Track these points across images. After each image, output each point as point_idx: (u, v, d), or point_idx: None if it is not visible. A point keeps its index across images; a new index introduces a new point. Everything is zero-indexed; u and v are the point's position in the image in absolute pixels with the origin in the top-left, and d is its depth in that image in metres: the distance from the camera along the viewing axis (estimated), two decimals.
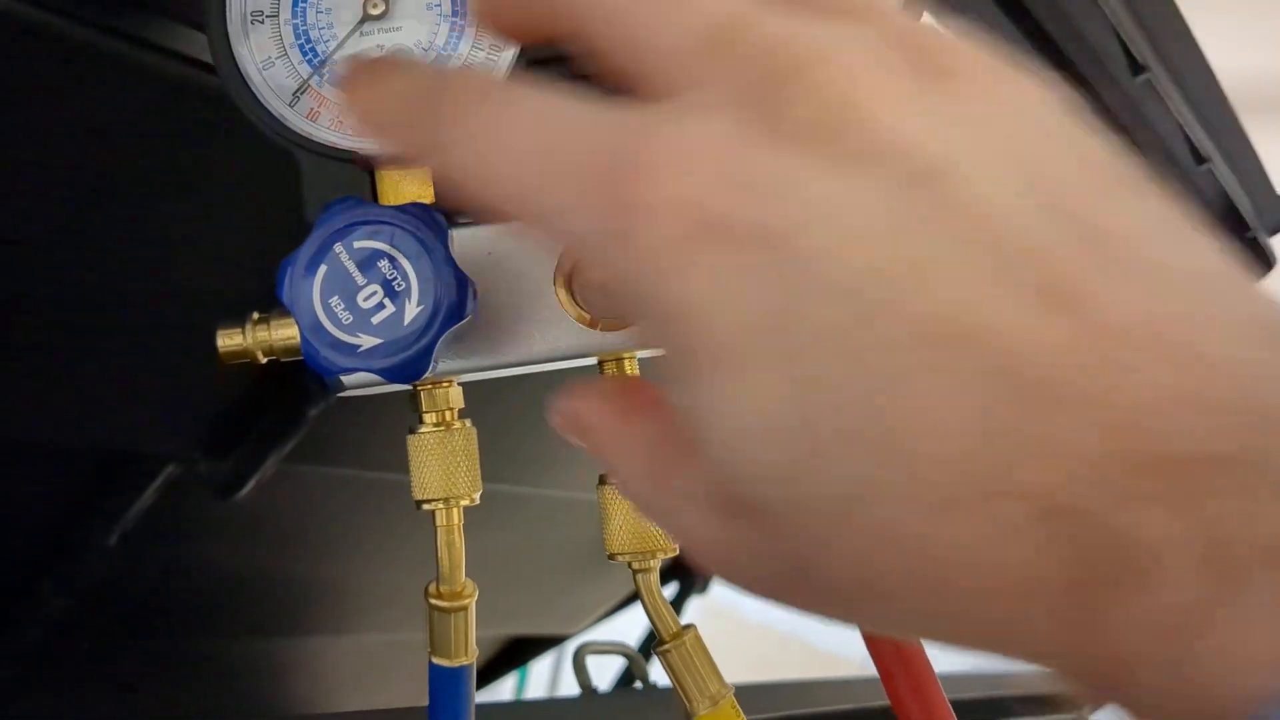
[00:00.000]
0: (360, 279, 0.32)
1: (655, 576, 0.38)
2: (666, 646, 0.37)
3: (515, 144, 0.22)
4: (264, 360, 0.35)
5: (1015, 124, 0.21)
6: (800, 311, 0.19)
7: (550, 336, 0.34)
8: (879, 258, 0.19)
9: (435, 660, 0.36)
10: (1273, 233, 0.99)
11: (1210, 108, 0.76)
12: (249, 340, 0.35)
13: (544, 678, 1.76)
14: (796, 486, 0.20)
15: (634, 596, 1.07)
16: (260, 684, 0.86)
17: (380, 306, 0.32)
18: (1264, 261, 0.97)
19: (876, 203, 0.19)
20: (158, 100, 0.40)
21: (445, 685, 0.36)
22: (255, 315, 0.35)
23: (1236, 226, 0.93)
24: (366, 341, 0.32)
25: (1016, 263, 0.19)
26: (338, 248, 0.32)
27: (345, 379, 0.33)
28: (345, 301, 0.32)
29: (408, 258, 0.32)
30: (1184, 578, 0.17)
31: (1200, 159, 0.77)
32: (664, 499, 0.24)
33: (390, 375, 0.32)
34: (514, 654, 1.20)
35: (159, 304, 0.55)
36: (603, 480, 0.37)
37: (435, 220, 0.32)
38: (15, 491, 0.62)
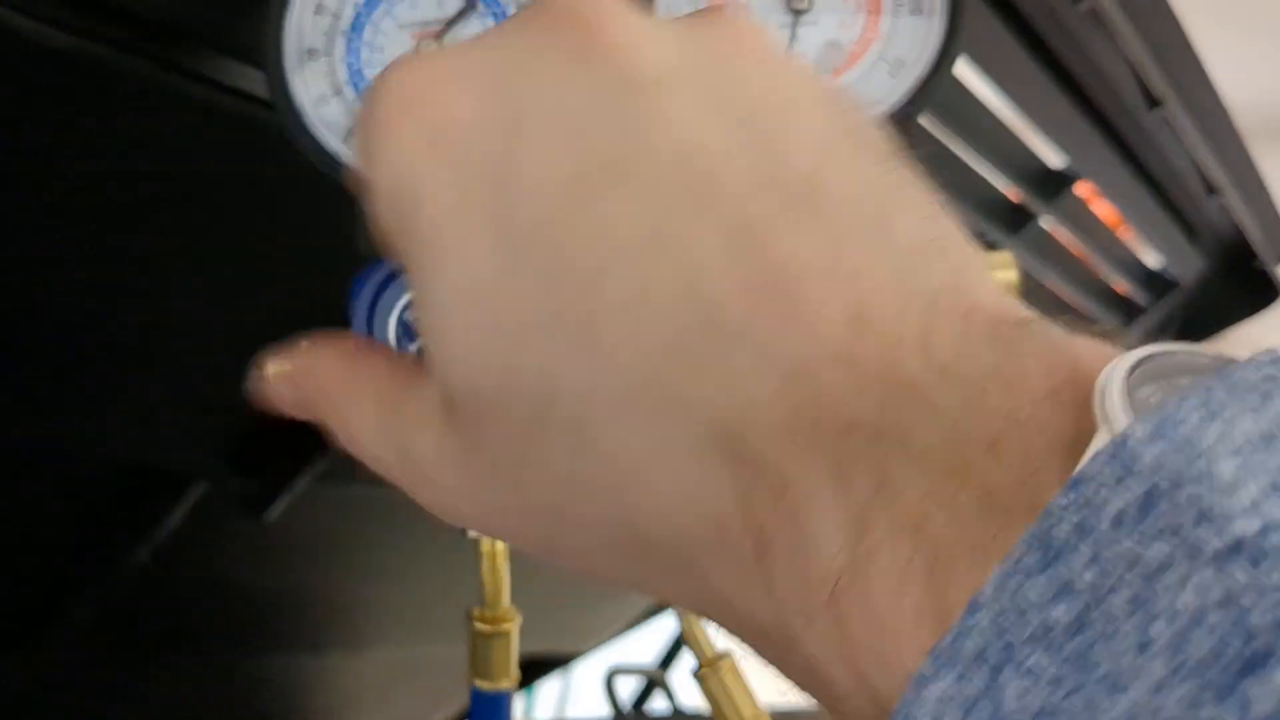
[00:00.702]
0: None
1: None
2: (703, 670, 0.38)
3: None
4: None
5: (748, 64, 0.22)
6: (510, 196, 0.20)
7: None
8: (588, 156, 0.20)
9: (478, 684, 0.37)
10: (1278, 262, 1.00)
11: (1221, 139, 0.77)
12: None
13: (552, 698, 1.76)
14: (503, 375, 0.20)
15: (648, 614, 1.08)
16: (283, 699, 0.87)
17: None
18: (1270, 291, 0.98)
19: (592, 101, 0.21)
20: (210, 130, 0.42)
21: (487, 708, 0.37)
22: (304, 344, 0.36)
23: (1244, 256, 0.94)
24: None
25: (714, 194, 0.20)
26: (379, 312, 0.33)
27: None
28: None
29: None
30: (833, 540, 0.18)
31: (1211, 190, 0.79)
32: (395, 434, 0.24)
33: None
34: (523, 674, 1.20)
35: (195, 324, 0.56)
36: None
37: None
38: (45, 506, 0.63)
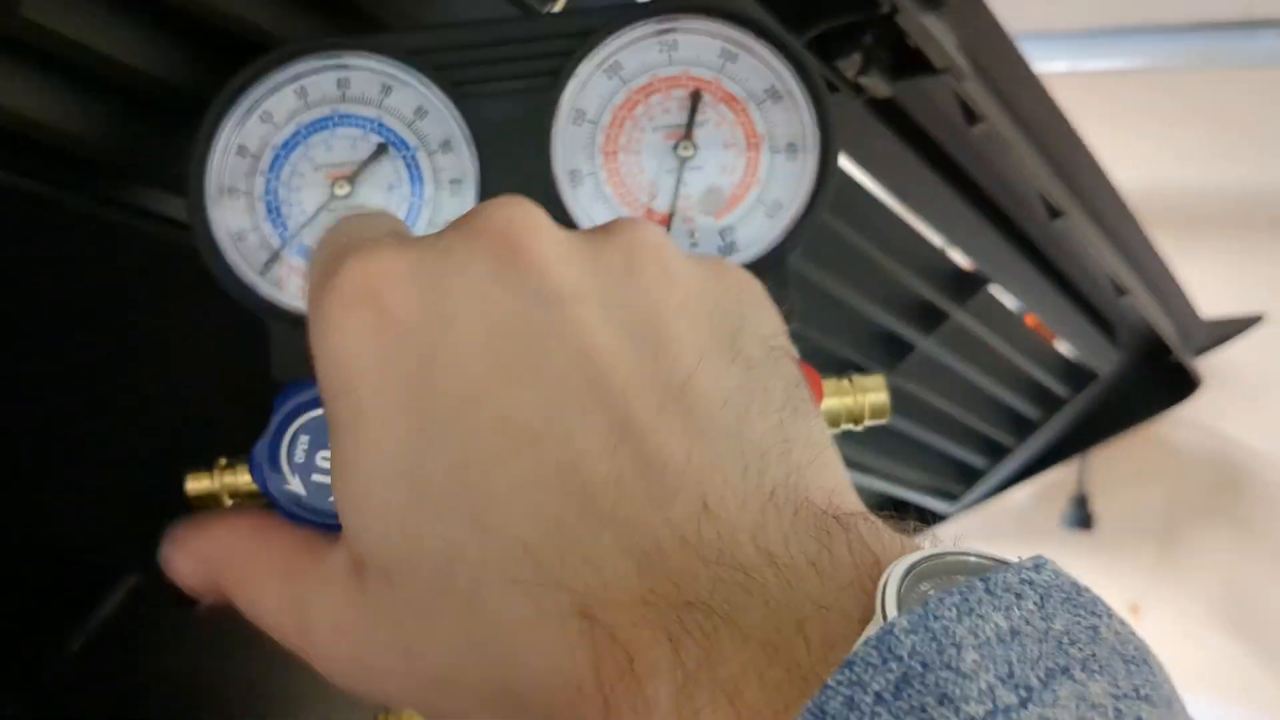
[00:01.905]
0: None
1: None
2: None
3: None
4: (230, 503, 0.39)
5: (647, 275, 0.26)
6: (429, 389, 0.24)
7: None
8: (499, 357, 0.24)
9: None
10: (1199, 354, 1.05)
11: (1127, 243, 0.81)
12: (216, 484, 0.38)
13: None
14: (413, 541, 0.23)
15: None
16: None
17: None
18: (1188, 384, 1.02)
19: (512, 311, 0.25)
20: (136, 252, 0.44)
21: None
22: (223, 461, 0.39)
23: (1161, 349, 0.98)
24: None
25: (603, 392, 0.23)
26: (295, 428, 0.35)
27: None
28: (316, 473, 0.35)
29: None
30: (666, 703, 0.21)
31: (1121, 291, 0.82)
32: (295, 604, 0.27)
33: None
34: None
35: (129, 423, 0.58)
36: None
37: None
38: None
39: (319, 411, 0.35)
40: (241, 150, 0.38)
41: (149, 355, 0.50)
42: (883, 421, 0.40)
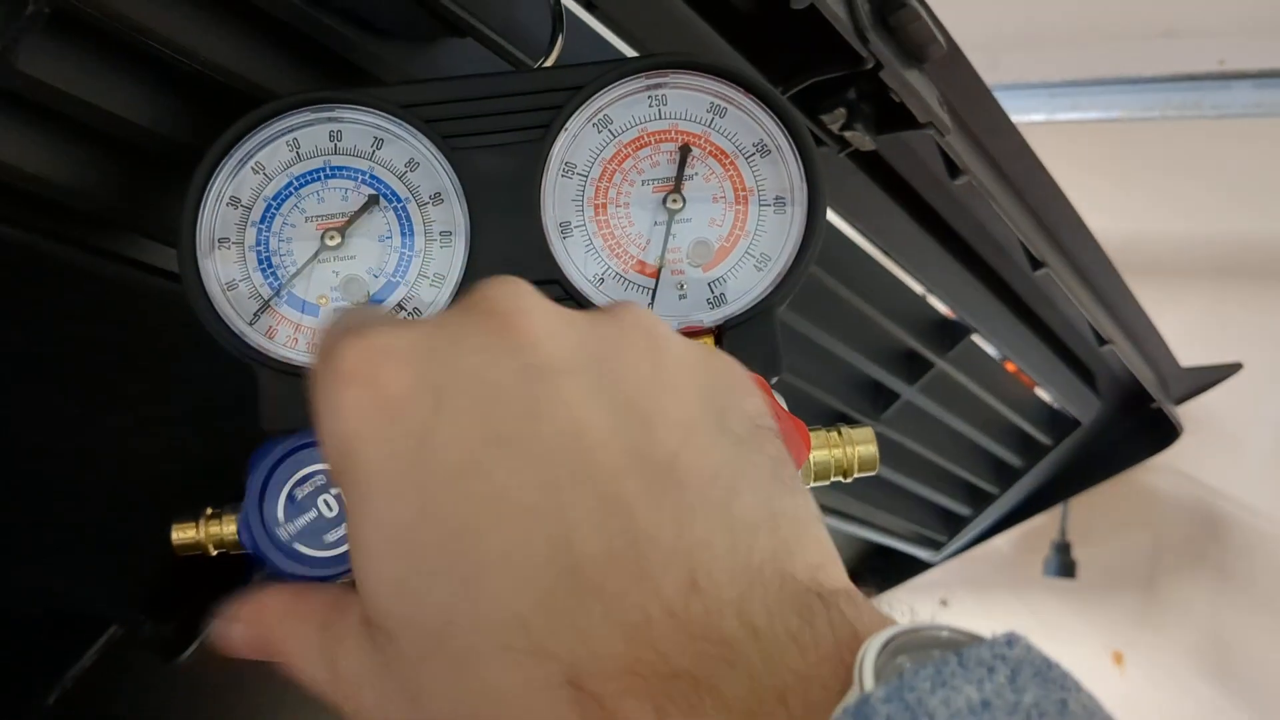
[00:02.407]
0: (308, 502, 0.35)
1: None
2: None
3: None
4: (214, 553, 0.38)
5: (637, 353, 0.27)
6: (426, 463, 0.24)
7: None
8: (492, 432, 0.24)
9: None
10: (1179, 402, 1.05)
11: (1108, 293, 0.82)
12: (201, 534, 0.38)
13: None
14: (412, 605, 0.24)
15: None
16: None
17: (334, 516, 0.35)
18: (1169, 432, 1.03)
19: (504, 384, 0.25)
20: (135, 304, 0.44)
21: None
22: (209, 510, 0.38)
23: (1143, 397, 0.99)
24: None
25: (594, 467, 0.24)
26: (277, 482, 0.35)
27: None
28: (310, 524, 0.35)
29: None
30: None
31: (1102, 340, 0.83)
32: (328, 653, 0.28)
33: None
34: None
35: (110, 475, 0.57)
36: None
37: None
38: None
39: (301, 473, 0.35)
40: (234, 201, 0.39)
41: (136, 405, 0.50)
42: (872, 473, 0.40)
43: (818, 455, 0.40)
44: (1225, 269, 1.76)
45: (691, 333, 0.39)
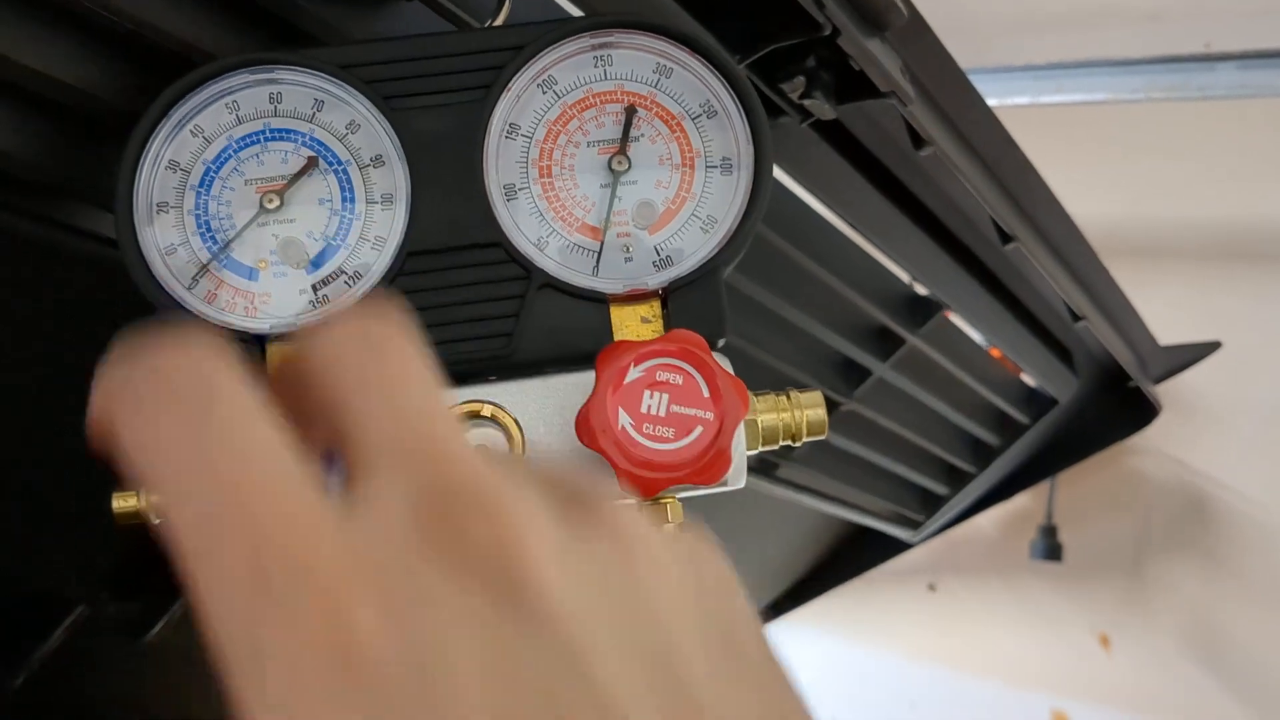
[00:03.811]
0: None
1: None
2: None
3: (195, 469, 0.20)
4: (157, 522, 0.38)
5: (647, 585, 0.23)
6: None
7: None
8: (500, 707, 0.19)
9: None
10: (1157, 381, 1.05)
11: (1083, 270, 0.82)
12: (142, 502, 0.38)
13: None
14: None
15: None
16: None
17: None
18: (1147, 410, 1.03)
19: (510, 649, 0.20)
20: (80, 272, 0.43)
21: None
22: None
23: (1121, 376, 0.98)
24: None
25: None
26: None
27: None
28: None
29: None
30: None
31: (1076, 317, 0.83)
32: None
33: None
34: None
35: (71, 453, 0.57)
36: None
37: None
38: None
39: None
40: (172, 165, 0.38)
41: (87, 377, 0.50)
42: (821, 437, 0.40)
43: (765, 419, 0.39)
44: (1211, 250, 1.76)
45: (638, 295, 0.39)
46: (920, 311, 0.77)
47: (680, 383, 0.35)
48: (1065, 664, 1.84)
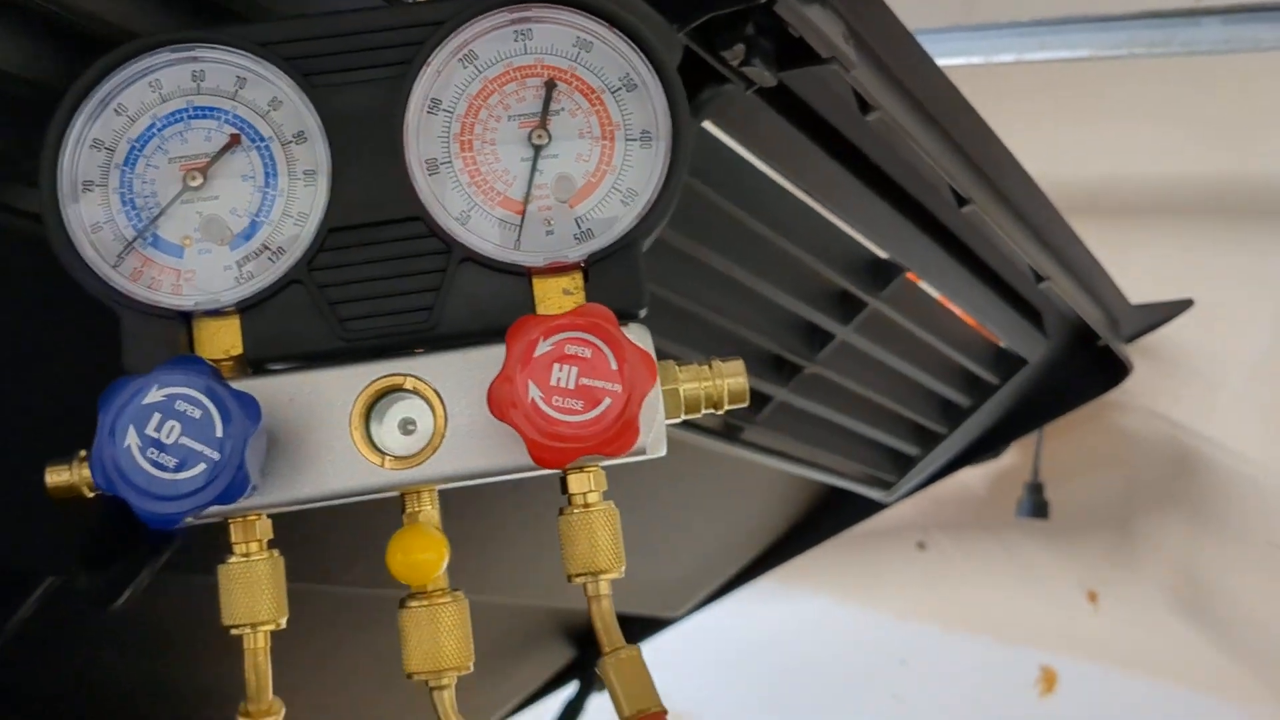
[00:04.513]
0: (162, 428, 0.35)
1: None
2: None
3: None
4: (90, 494, 0.39)
5: None
6: None
7: (345, 474, 0.38)
8: None
9: None
10: (1130, 340, 1.05)
11: (1046, 231, 0.82)
12: (75, 476, 0.38)
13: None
14: None
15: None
16: None
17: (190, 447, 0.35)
18: (1118, 369, 1.03)
19: None
20: (9, 250, 0.44)
21: None
22: (82, 453, 0.39)
23: (1090, 335, 0.99)
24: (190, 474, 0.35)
25: None
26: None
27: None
28: (159, 449, 0.35)
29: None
30: None
31: (1040, 278, 0.83)
32: None
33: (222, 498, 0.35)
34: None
35: (37, 426, 0.57)
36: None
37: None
38: None
39: (147, 400, 0.35)
40: (96, 143, 0.39)
41: (30, 352, 0.50)
42: (743, 405, 0.41)
43: (687, 388, 0.40)
44: (1197, 208, 1.75)
45: (559, 268, 0.39)
46: (882, 274, 0.78)
47: (589, 356, 0.35)
48: (1054, 620, 1.85)
